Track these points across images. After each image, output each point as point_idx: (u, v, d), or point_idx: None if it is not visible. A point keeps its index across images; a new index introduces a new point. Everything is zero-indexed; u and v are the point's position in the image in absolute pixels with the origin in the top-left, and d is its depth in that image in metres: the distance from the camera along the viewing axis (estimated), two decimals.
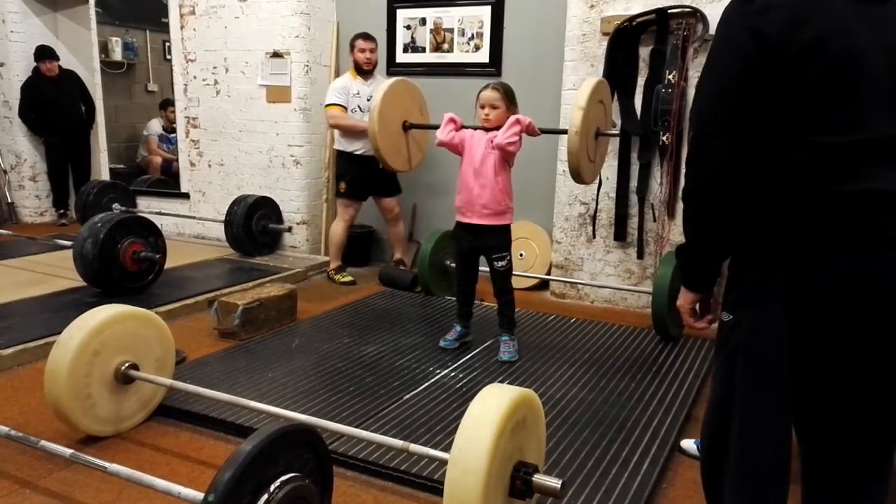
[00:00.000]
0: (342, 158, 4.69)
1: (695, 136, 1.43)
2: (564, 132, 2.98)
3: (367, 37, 4.54)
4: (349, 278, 4.72)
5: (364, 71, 4.54)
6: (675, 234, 3.97)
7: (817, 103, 1.28)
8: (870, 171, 1.29)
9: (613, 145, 4.04)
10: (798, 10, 1.27)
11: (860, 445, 1.43)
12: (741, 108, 1.32)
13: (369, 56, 4.51)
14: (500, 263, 3.16)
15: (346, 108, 4.50)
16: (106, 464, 1.98)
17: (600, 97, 3.11)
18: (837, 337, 1.35)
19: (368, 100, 4.48)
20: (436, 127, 3.27)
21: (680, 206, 3.90)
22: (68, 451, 2.09)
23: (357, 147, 4.56)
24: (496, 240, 3.14)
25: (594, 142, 3.13)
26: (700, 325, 1.60)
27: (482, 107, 3.07)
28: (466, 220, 3.14)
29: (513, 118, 3.01)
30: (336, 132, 4.72)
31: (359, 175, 4.62)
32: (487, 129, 3.07)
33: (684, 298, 1.57)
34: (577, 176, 3.06)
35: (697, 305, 1.58)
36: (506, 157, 3.07)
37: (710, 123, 1.38)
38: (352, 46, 4.55)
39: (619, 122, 3.97)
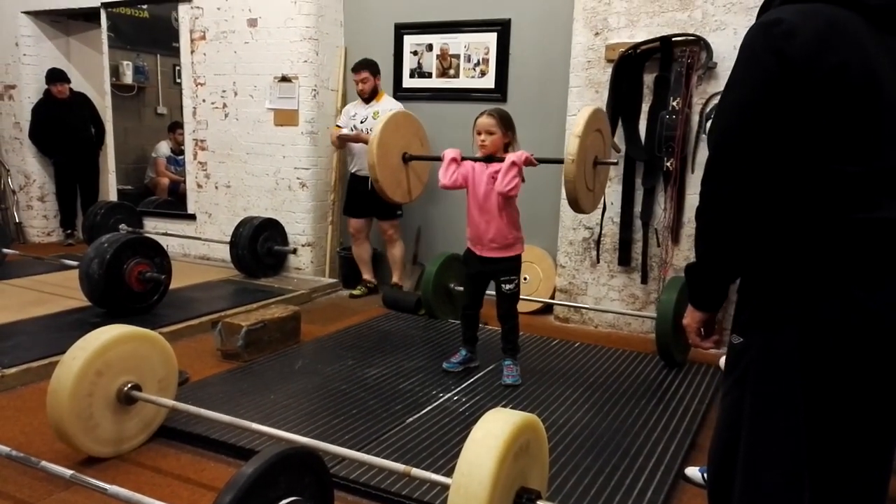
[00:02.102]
0: None
1: (712, 154, 1.41)
2: (561, 161, 2.97)
3: (356, 68, 4.68)
4: (357, 291, 4.98)
5: (363, 98, 4.70)
6: (679, 259, 3.96)
7: (837, 130, 1.28)
8: (886, 200, 1.29)
9: (617, 171, 4.06)
10: (823, 36, 1.27)
11: (867, 472, 1.42)
12: (761, 127, 1.31)
13: (362, 87, 4.66)
14: (509, 287, 3.16)
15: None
16: (106, 485, 1.98)
17: (598, 126, 3.10)
18: (849, 364, 1.34)
19: (362, 122, 4.66)
20: (437, 159, 3.28)
21: (684, 231, 3.92)
22: (69, 473, 2.08)
23: (351, 166, 4.87)
24: (506, 266, 3.16)
25: (592, 171, 3.11)
26: (705, 344, 1.59)
27: (479, 133, 3.07)
28: (478, 253, 3.17)
29: (508, 161, 2.96)
30: None
31: (350, 192, 4.90)
32: (487, 161, 3.06)
33: (691, 317, 1.55)
34: (575, 204, 3.04)
35: (704, 325, 1.57)
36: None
37: (730, 142, 1.36)
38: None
39: (623, 147, 4.00)
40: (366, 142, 4.48)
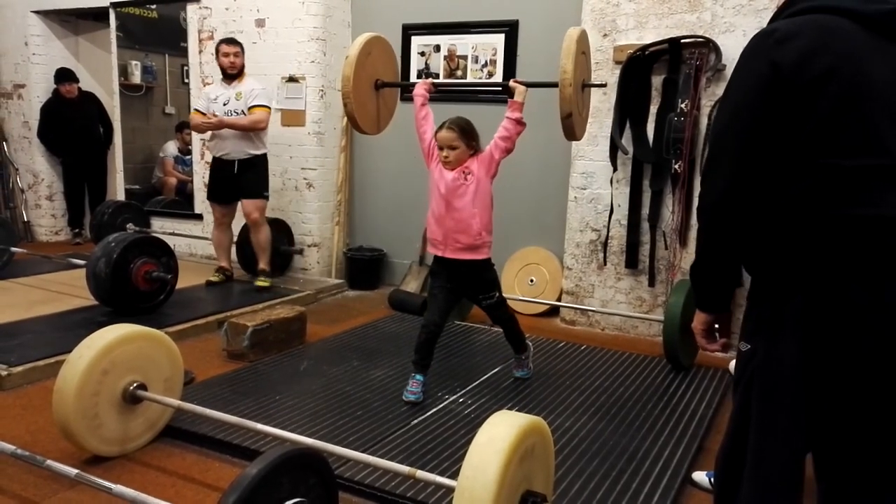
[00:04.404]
0: None
1: (710, 154, 1.50)
2: (554, 85, 2.84)
3: (229, 41, 4.58)
4: (214, 278, 4.84)
5: (228, 75, 4.57)
6: (687, 262, 3.94)
7: (830, 127, 1.32)
8: (886, 196, 1.31)
9: (625, 173, 4.05)
10: (813, 42, 1.33)
11: (875, 477, 1.41)
12: (754, 130, 1.37)
13: (233, 60, 4.51)
14: (489, 301, 3.06)
15: (204, 114, 4.56)
16: (111, 485, 1.97)
17: (583, 49, 2.99)
18: (854, 366, 1.34)
19: (225, 103, 4.52)
20: (410, 85, 3.14)
21: (691, 234, 3.90)
22: (74, 472, 2.08)
23: (212, 149, 4.69)
24: (481, 280, 3.02)
25: (581, 94, 3.00)
26: (713, 347, 1.60)
27: (440, 148, 2.90)
28: (440, 254, 2.97)
29: (516, 104, 2.87)
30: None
31: (213, 176, 4.75)
32: (451, 168, 2.90)
33: (697, 319, 1.58)
34: (571, 130, 2.91)
35: (713, 327, 1.57)
36: (488, 171, 2.90)
37: (724, 143, 1.43)
38: (217, 52, 4.60)
39: (630, 149, 3.98)
40: (231, 126, 4.44)
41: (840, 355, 1.33)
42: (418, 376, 2.99)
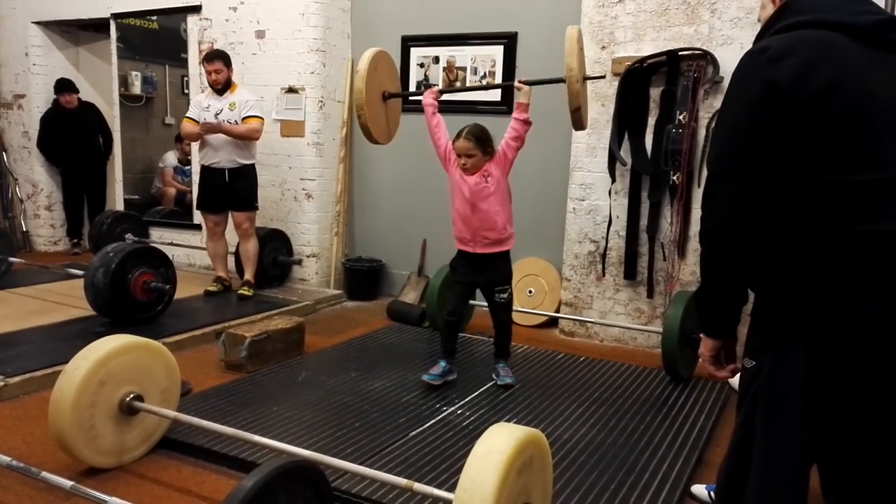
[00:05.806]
0: None
1: (708, 179, 1.47)
2: (561, 81, 2.99)
3: (208, 59, 4.59)
4: (213, 288, 4.85)
5: (217, 89, 4.60)
6: (686, 273, 3.94)
7: (834, 143, 1.30)
8: (893, 210, 1.29)
9: (623, 184, 4.06)
10: (809, 58, 1.31)
11: (885, 488, 1.40)
12: (752, 151, 1.34)
13: (215, 77, 4.55)
14: (503, 296, 3.22)
15: (196, 122, 4.58)
16: (106, 497, 1.96)
17: (581, 45, 3.13)
18: (868, 380, 1.33)
19: (217, 114, 4.53)
20: (416, 94, 3.25)
21: (690, 245, 3.91)
22: (69, 484, 2.07)
23: (202, 158, 4.70)
24: (499, 273, 3.19)
25: (584, 87, 3.13)
26: (722, 374, 1.57)
27: (459, 156, 3.09)
28: (470, 251, 3.18)
29: (520, 110, 3.03)
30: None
31: (203, 185, 4.76)
32: (471, 174, 3.09)
33: (704, 346, 1.55)
34: (579, 122, 3.08)
35: (721, 353, 1.55)
36: (504, 170, 3.10)
37: (722, 166, 1.41)
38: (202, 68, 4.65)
39: (629, 161, 3.99)
40: (226, 132, 4.48)
41: (853, 370, 1.32)
42: (442, 362, 3.23)
